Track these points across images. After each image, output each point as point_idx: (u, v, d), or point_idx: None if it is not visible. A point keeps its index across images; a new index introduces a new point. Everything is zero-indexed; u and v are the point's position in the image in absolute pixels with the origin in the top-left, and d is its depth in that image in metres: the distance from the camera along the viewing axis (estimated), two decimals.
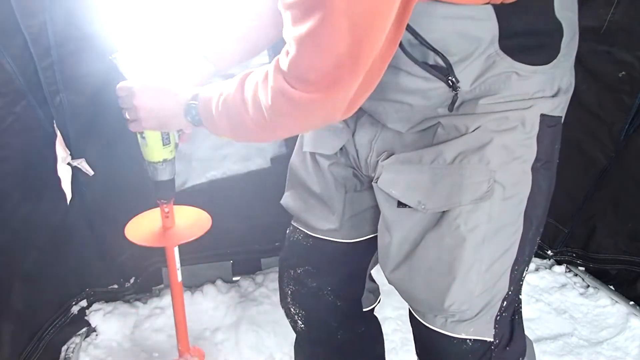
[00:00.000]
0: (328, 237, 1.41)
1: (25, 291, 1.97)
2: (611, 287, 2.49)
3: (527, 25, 0.98)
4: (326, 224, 1.39)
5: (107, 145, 2.06)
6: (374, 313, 1.64)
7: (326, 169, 1.35)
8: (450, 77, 1.00)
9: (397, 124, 1.15)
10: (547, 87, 1.05)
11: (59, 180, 1.91)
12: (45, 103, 1.79)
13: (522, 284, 1.22)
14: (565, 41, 1.03)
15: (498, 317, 1.18)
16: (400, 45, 0.97)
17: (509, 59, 0.99)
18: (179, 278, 1.61)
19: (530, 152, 1.07)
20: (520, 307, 1.28)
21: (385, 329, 2.31)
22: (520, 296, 1.25)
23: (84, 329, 2.30)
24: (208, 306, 2.46)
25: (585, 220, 2.51)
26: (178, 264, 1.60)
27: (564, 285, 2.55)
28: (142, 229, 1.56)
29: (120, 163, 2.12)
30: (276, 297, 2.53)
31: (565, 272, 2.63)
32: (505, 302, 1.17)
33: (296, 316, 1.53)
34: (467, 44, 0.97)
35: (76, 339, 2.25)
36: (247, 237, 2.61)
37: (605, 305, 2.39)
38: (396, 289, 1.25)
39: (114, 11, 1.81)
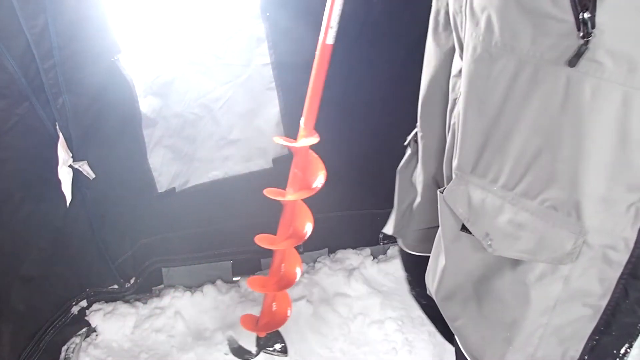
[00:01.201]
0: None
1: (26, 291, 1.97)
2: None
3: None
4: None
5: (108, 147, 2.06)
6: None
7: None
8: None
9: None
10: None
11: (60, 182, 1.90)
12: (48, 105, 1.79)
13: None
14: None
15: None
16: None
17: None
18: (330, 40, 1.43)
19: None
20: None
21: (386, 329, 2.33)
22: None
23: (84, 329, 2.30)
24: (208, 306, 2.46)
25: None
26: None
27: None
28: None
29: (120, 164, 2.12)
30: None
31: None
32: None
33: None
34: None
35: (76, 339, 2.26)
36: (247, 237, 2.61)
37: None
38: (446, 319, 1.14)
39: (116, 12, 1.81)
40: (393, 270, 2.62)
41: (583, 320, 0.94)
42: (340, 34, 2.15)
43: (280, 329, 2.30)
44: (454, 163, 1.00)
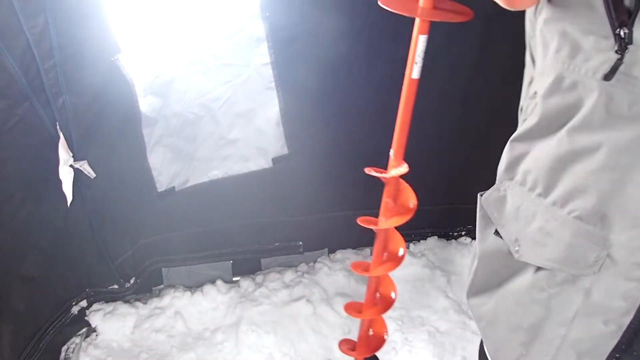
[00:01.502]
0: None
1: (26, 291, 1.97)
2: None
3: None
4: None
5: (109, 146, 2.06)
6: None
7: None
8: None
9: None
10: None
11: (60, 182, 1.90)
12: (48, 105, 1.79)
13: None
14: None
15: None
16: None
17: None
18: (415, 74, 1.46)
19: None
20: None
21: None
22: None
23: (84, 329, 2.30)
24: (208, 306, 2.46)
25: None
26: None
27: None
28: None
29: (121, 164, 2.12)
30: (276, 297, 2.55)
31: None
32: None
33: None
34: None
35: (76, 339, 2.26)
36: (247, 237, 2.61)
37: None
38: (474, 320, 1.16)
39: (116, 12, 1.81)
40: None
41: (604, 337, 0.92)
42: (340, 33, 2.16)
43: (281, 328, 2.31)
44: (500, 169, 1.03)
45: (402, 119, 1.49)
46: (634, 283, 0.87)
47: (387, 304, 1.77)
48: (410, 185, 2.61)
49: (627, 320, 0.89)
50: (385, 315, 2.40)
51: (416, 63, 1.40)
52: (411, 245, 2.79)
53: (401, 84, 2.38)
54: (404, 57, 2.25)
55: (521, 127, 0.98)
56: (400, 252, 1.67)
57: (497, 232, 1.02)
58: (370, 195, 2.68)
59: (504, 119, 2.26)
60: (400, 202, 1.61)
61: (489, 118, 2.45)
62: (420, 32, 1.35)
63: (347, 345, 1.92)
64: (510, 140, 1.01)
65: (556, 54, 0.86)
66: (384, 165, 2.64)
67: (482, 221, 1.07)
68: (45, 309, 2.15)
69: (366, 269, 1.73)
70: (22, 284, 1.95)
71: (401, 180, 1.58)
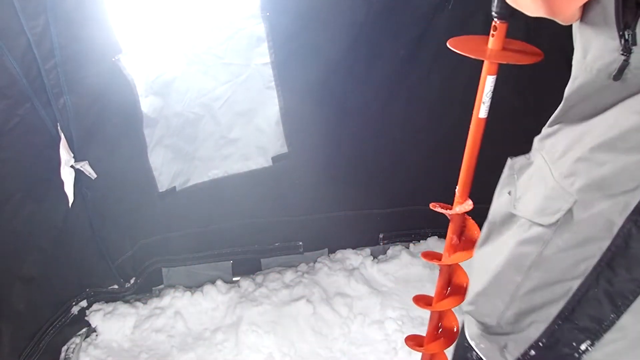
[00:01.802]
0: None
1: (26, 292, 1.97)
2: None
3: None
4: None
5: (109, 147, 2.06)
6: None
7: None
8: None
9: None
10: None
11: (61, 182, 1.90)
12: (49, 105, 1.78)
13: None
14: None
15: None
16: None
17: None
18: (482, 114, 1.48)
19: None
20: None
21: (386, 329, 2.33)
22: None
23: (84, 329, 2.30)
24: (208, 306, 2.46)
25: None
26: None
27: None
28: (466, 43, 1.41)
29: (122, 165, 2.12)
30: (276, 297, 2.55)
31: None
32: (532, 351, 1.03)
33: None
34: None
35: (76, 339, 2.26)
36: (247, 237, 2.62)
37: None
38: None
39: (117, 12, 1.81)
40: (393, 270, 2.63)
41: (552, 297, 0.97)
42: (339, 33, 2.17)
43: (281, 328, 2.31)
44: (534, 141, 1.09)
45: (469, 157, 1.53)
46: (589, 248, 0.90)
47: (451, 338, 1.78)
48: (410, 185, 2.63)
49: (576, 285, 0.93)
50: (385, 316, 2.41)
51: (484, 103, 1.42)
52: (411, 245, 2.79)
53: (401, 84, 2.40)
54: (404, 56, 2.27)
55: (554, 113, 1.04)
56: (464, 286, 1.70)
57: (510, 192, 1.08)
58: (370, 195, 2.70)
59: (503, 119, 2.28)
60: (465, 238, 1.66)
61: (490, 119, 2.45)
62: (488, 73, 1.36)
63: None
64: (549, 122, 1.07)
65: (575, 56, 0.90)
66: (385, 167, 2.66)
67: (504, 181, 1.13)
68: (45, 309, 2.15)
69: (429, 303, 1.77)
70: (22, 284, 1.95)
71: (467, 216, 1.62)
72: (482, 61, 1.35)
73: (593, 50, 0.85)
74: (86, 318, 2.33)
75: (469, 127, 2.48)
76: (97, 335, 2.31)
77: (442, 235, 2.84)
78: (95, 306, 2.38)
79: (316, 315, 2.39)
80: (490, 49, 1.30)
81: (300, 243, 2.70)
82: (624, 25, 0.77)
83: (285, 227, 2.63)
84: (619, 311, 0.89)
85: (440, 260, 1.71)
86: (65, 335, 2.24)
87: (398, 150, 2.54)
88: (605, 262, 0.89)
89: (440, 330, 1.83)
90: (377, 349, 2.28)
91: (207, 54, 2.04)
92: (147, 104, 2.01)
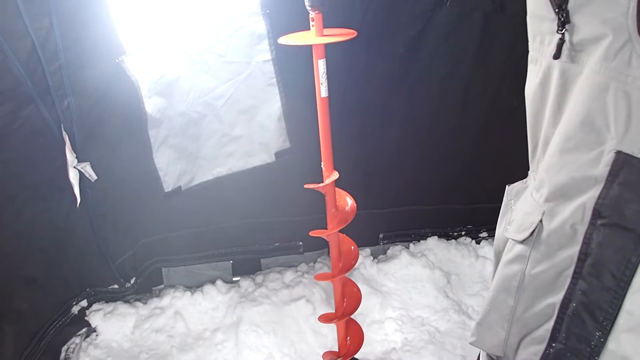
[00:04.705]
0: None
1: (28, 292, 1.97)
2: None
3: None
4: None
5: (111, 148, 2.06)
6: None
7: None
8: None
9: None
10: None
11: (63, 182, 1.90)
12: (53, 107, 1.78)
13: None
14: None
15: None
16: None
17: None
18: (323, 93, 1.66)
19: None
20: None
21: (386, 329, 2.33)
22: None
23: (84, 329, 2.30)
24: (208, 306, 2.46)
25: None
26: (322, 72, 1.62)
27: None
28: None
29: (125, 165, 2.12)
30: (276, 297, 2.55)
31: None
32: None
33: None
34: None
35: (76, 339, 2.25)
36: (247, 237, 2.61)
37: None
38: None
39: (120, 14, 1.80)
40: (393, 271, 2.63)
41: (544, 318, 0.96)
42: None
43: (281, 328, 2.31)
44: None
45: (323, 133, 1.70)
46: (563, 257, 0.91)
47: (354, 306, 1.95)
48: (410, 185, 2.64)
49: (558, 300, 0.92)
50: (385, 316, 2.41)
51: (322, 84, 1.62)
52: (411, 245, 2.80)
53: (400, 83, 2.40)
54: (403, 54, 2.27)
55: None
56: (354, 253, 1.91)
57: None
58: (370, 195, 2.70)
59: (504, 119, 2.28)
60: (340, 207, 1.82)
61: (489, 118, 2.46)
62: (318, 57, 1.56)
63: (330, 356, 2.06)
64: None
65: (530, 52, 0.95)
66: (384, 167, 2.65)
67: (503, 210, 1.15)
68: (46, 309, 2.14)
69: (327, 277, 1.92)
70: (24, 285, 1.95)
71: (336, 187, 1.79)
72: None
73: (541, 34, 0.90)
74: (86, 318, 2.32)
75: (468, 127, 2.50)
76: (97, 335, 2.30)
77: (442, 235, 2.86)
78: (95, 306, 2.37)
79: (316, 315, 2.39)
80: (314, 37, 1.52)
81: (300, 243, 2.70)
82: (557, 3, 0.81)
83: (285, 227, 2.63)
84: (604, 329, 0.85)
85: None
86: (66, 335, 2.23)
87: (398, 150, 2.55)
88: (578, 273, 0.89)
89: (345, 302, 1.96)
90: (377, 349, 2.28)
91: (209, 53, 2.04)
92: (150, 105, 2.00)
